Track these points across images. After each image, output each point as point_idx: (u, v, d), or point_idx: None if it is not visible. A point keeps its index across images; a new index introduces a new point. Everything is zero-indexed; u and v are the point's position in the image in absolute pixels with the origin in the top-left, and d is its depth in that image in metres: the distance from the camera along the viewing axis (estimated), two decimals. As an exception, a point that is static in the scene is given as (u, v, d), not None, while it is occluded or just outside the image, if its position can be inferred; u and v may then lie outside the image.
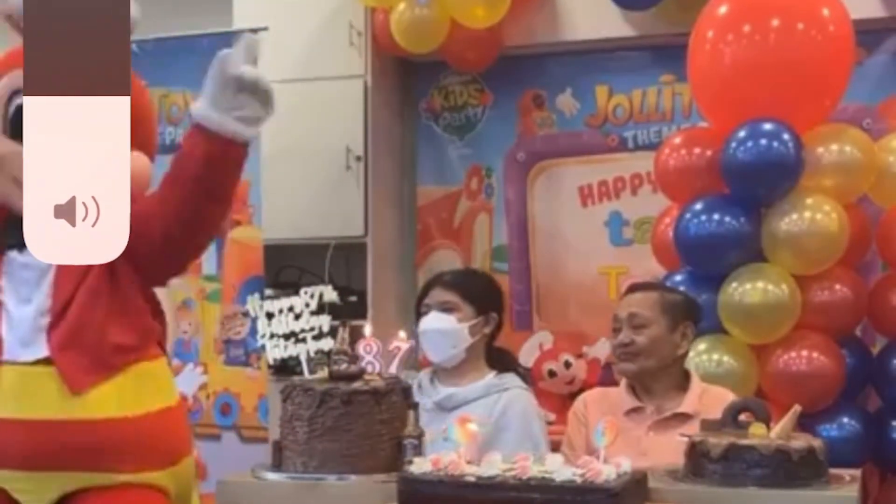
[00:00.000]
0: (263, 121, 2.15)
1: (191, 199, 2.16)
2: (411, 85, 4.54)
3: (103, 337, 2.17)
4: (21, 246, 2.14)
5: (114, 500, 2.17)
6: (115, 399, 2.17)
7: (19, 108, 2.17)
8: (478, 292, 3.07)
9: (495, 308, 3.09)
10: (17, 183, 2.11)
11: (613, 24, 4.11)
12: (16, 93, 2.21)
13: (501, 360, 3.11)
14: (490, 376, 3.02)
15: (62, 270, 2.17)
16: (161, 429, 2.24)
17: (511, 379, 3.03)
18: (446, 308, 3.02)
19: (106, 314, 2.17)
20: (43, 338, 2.16)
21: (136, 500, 2.19)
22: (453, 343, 2.98)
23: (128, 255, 2.10)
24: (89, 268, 2.17)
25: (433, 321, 3.01)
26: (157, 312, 2.34)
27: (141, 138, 2.22)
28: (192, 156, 2.16)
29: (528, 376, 3.90)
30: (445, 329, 2.98)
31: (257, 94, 2.12)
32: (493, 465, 2.19)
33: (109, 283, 2.19)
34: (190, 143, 2.17)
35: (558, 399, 4.09)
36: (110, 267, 2.16)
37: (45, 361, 2.15)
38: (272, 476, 2.46)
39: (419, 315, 3.08)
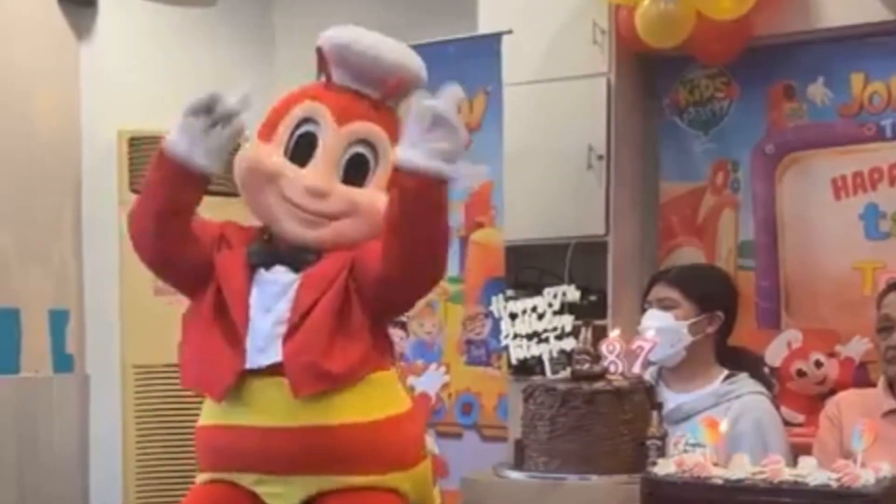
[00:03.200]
0: (458, 156, 2.12)
1: (400, 241, 2.17)
2: (654, 81, 4.47)
3: (332, 350, 2.22)
4: (270, 264, 2.29)
5: (354, 502, 2.24)
6: (344, 407, 2.24)
7: (302, 136, 2.32)
8: (701, 289, 2.96)
9: (722, 306, 2.97)
10: (284, 199, 2.26)
11: (870, 8, 3.90)
12: (305, 121, 2.33)
13: (738, 360, 2.99)
14: (720, 380, 2.91)
15: (304, 287, 2.26)
16: (391, 435, 2.29)
17: (744, 383, 2.89)
18: (665, 305, 2.94)
19: (337, 331, 2.23)
20: (278, 344, 2.24)
21: (376, 502, 2.26)
22: (671, 342, 2.87)
23: (357, 288, 2.24)
24: (329, 287, 2.24)
25: (650, 319, 2.94)
26: (386, 341, 2.38)
27: None
28: (394, 196, 2.17)
29: (774, 376, 3.80)
30: (662, 327, 2.87)
31: (448, 128, 2.09)
32: (742, 468, 2.12)
33: (343, 306, 2.25)
34: (392, 186, 2.18)
35: (808, 400, 3.93)
36: (346, 292, 2.25)
37: (278, 369, 2.23)
38: (514, 475, 2.48)
39: (643, 312, 3.02)
